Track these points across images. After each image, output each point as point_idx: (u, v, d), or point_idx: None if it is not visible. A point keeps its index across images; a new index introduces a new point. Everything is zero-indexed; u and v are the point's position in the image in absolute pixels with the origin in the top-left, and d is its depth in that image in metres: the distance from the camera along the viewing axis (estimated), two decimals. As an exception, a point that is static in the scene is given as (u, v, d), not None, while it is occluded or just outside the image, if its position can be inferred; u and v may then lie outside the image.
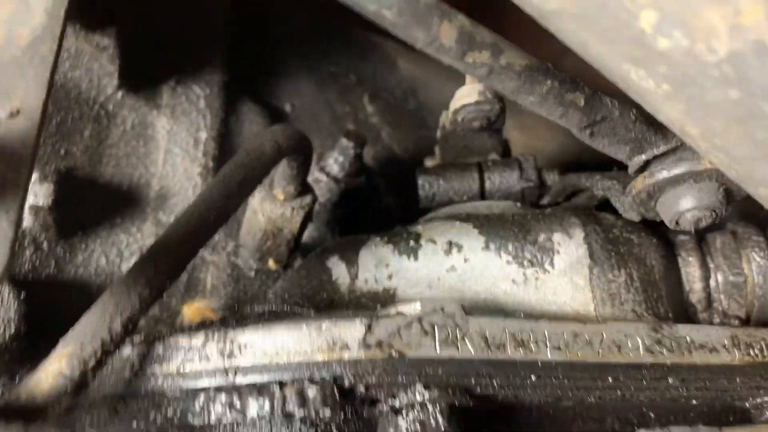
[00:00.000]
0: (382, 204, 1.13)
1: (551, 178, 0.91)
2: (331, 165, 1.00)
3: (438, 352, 0.60)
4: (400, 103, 1.26)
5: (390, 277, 0.77)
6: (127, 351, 0.61)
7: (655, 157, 0.64)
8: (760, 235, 0.81)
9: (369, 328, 0.58)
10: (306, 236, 0.99)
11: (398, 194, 1.14)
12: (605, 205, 0.82)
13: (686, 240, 0.82)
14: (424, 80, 1.30)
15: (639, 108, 0.56)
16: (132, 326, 0.57)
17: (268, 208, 0.83)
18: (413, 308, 0.62)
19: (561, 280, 0.74)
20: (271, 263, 0.88)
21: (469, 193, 0.90)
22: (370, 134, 1.19)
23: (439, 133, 0.92)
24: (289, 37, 1.23)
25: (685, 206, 0.64)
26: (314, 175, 1.00)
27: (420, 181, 0.91)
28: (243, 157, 0.68)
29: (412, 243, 0.79)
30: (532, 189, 0.90)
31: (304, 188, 0.84)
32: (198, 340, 0.59)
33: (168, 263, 0.60)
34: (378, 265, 0.78)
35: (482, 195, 0.91)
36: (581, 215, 0.78)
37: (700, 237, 0.83)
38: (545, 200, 0.91)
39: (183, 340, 0.60)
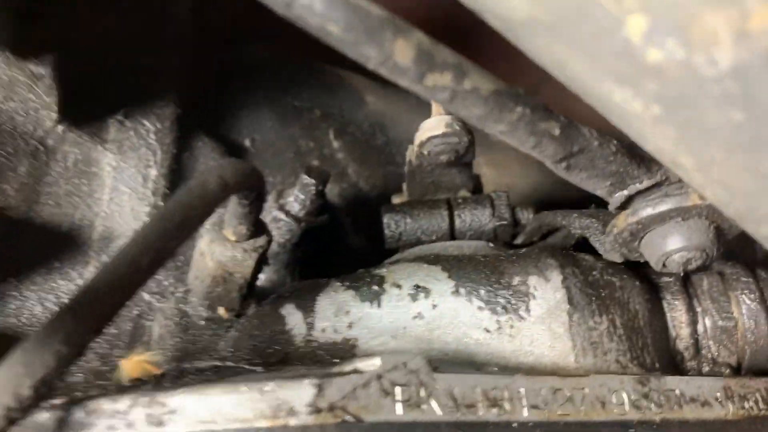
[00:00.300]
0: (349, 243, 1.07)
1: (525, 216, 0.85)
2: (291, 203, 0.93)
3: (400, 414, 0.52)
4: (367, 138, 1.19)
5: (350, 326, 0.70)
6: (43, 417, 0.53)
7: (639, 193, 0.58)
8: (749, 276, 0.76)
9: (320, 389, 0.51)
10: (265, 280, 0.92)
11: (366, 233, 1.07)
12: (583, 244, 0.76)
13: (671, 282, 0.76)
14: (393, 115, 1.24)
15: (621, 138, 0.50)
16: (46, 389, 0.49)
17: (217, 251, 0.76)
18: (372, 364, 0.54)
19: (538, 327, 0.67)
20: (222, 311, 0.80)
21: (438, 233, 0.84)
22: (335, 171, 1.13)
23: (406, 169, 0.86)
24: (250, 69, 1.17)
25: (672, 246, 0.59)
26: (273, 214, 0.94)
27: (385, 220, 0.85)
28: (184, 194, 0.61)
29: (375, 288, 0.72)
30: (505, 227, 0.83)
31: (257, 228, 0.77)
32: (123, 404, 0.51)
33: (92, 315, 0.53)
34: (337, 312, 0.71)
35: (452, 234, 0.84)
36: (558, 256, 0.71)
37: (686, 278, 0.77)
38: (519, 239, 0.85)
39: (106, 405, 0.52)
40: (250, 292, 0.82)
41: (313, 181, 0.92)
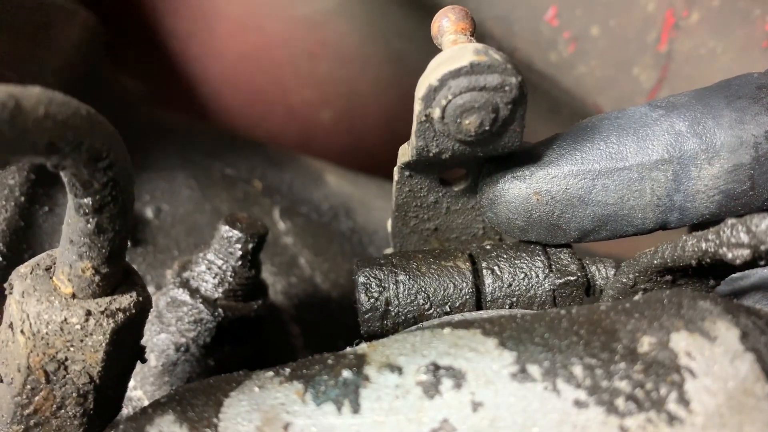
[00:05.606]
0: (296, 358, 0.68)
1: (603, 272, 0.49)
2: (202, 275, 0.56)
3: None
4: (327, 222, 0.85)
5: (292, 452, 0.31)
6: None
7: None
8: None
9: None
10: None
11: (319, 344, 0.69)
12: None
13: None
14: (363, 199, 0.91)
15: None
16: None
17: (34, 312, 0.38)
18: None
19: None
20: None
21: (454, 301, 0.47)
22: (281, 260, 0.77)
23: (395, 182, 0.50)
24: (167, 133, 0.85)
25: None
26: (171, 295, 0.56)
27: (362, 279, 0.48)
28: None
29: (346, 375, 0.35)
30: (570, 290, 0.47)
31: (123, 274, 0.40)
32: None
33: None
34: (265, 426, 0.33)
35: (478, 303, 0.48)
36: (713, 298, 0.35)
37: None
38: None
39: None
40: (110, 410, 0.43)
41: (238, 234, 0.56)
